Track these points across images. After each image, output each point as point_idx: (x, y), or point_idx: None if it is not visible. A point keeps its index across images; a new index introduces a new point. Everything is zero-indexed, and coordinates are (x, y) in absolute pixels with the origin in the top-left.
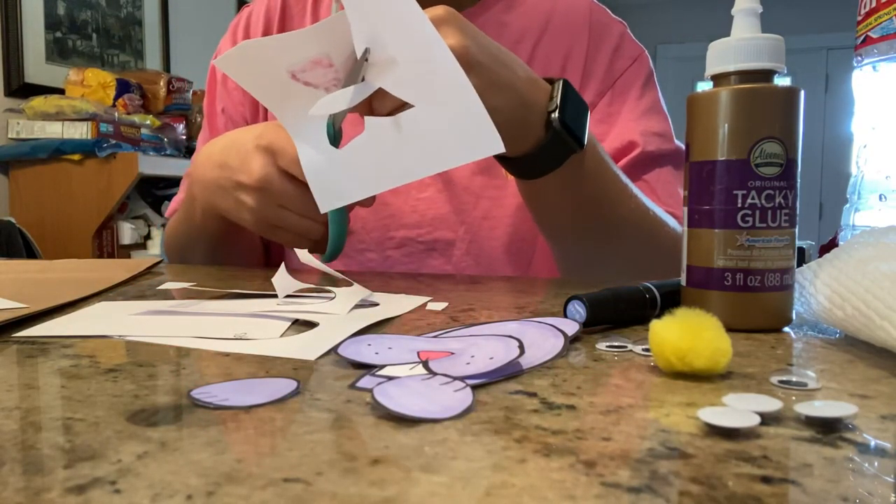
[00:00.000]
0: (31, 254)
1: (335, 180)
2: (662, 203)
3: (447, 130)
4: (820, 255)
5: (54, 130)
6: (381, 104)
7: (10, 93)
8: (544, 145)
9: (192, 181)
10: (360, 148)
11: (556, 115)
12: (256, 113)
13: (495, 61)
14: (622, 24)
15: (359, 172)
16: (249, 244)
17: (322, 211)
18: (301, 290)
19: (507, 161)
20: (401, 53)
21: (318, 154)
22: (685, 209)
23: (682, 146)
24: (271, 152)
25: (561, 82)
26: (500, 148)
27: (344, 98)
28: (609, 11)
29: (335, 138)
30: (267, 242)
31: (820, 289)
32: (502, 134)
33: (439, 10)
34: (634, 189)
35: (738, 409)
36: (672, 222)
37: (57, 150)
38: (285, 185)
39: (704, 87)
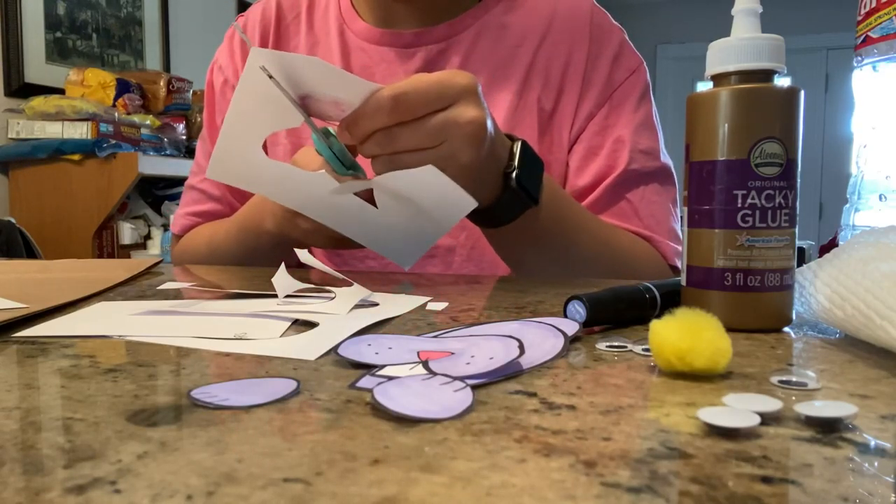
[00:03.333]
0: (31, 254)
1: (240, 167)
2: (643, 226)
3: (384, 237)
4: (820, 255)
5: (54, 130)
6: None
7: (10, 93)
8: (501, 202)
9: (259, 215)
10: (299, 176)
11: (514, 174)
12: None
13: (495, 137)
14: (621, 31)
15: (276, 186)
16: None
17: (207, 175)
18: (301, 290)
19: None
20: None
21: (242, 137)
22: (685, 209)
23: (669, 162)
24: None
25: (520, 143)
26: (407, 266)
27: (355, 186)
28: (609, 16)
29: (350, 166)
30: None
31: (820, 289)
32: (478, 189)
33: (469, 80)
34: (598, 222)
35: (738, 409)
36: (643, 251)
37: (57, 150)
38: None
39: (704, 87)
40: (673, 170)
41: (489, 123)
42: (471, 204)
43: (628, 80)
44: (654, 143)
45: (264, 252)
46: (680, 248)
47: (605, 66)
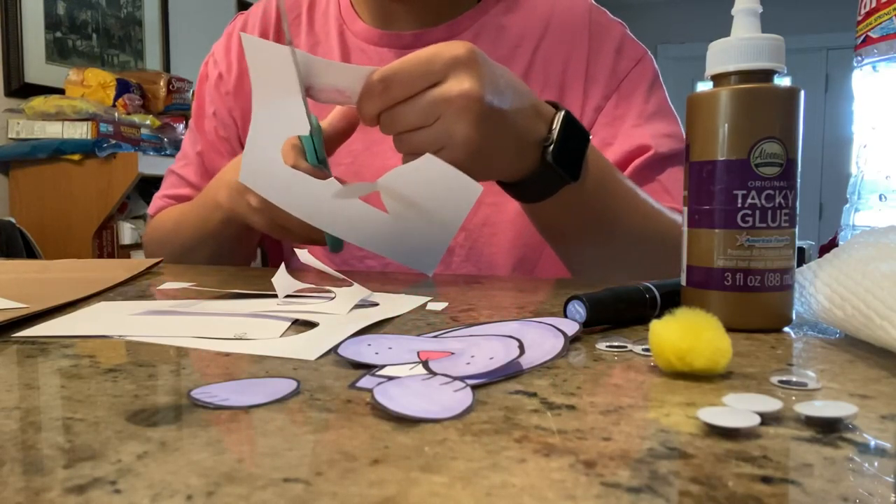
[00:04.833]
0: (31, 254)
1: (268, 177)
2: (675, 202)
3: (400, 243)
4: (820, 255)
5: (54, 130)
6: (366, 106)
7: (10, 93)
8: (538, 175)
9: (218, 188)
10: (313, 184)
11: (550, 149)
12: (246, 118)
13: (507, 107)
14: (622, 25)
15: (294, 194)
16: (250, 252)
17: (239, 180)
18: (301, 290)
19: (502, 184)
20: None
21: (268, 144)
22: (685, 209)
23: None
24: None
25: (562, 113)
26: (431, 271)
27: (359, 189)
28: (608, 13)
29: (322, 160)
30: (268, 247)
31: (820, 289)
32: (499, 167)
33: (462, 49)
34: (643, 196)
35: (738, 409)
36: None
37: (57, 150)
38: None
39: (704, 87)
40: None
41: (489, 94)
42: (476, 189)
43: (635, 70)
44: (675, 126)
45: (215, 228)
46: None
47: (607, 59)
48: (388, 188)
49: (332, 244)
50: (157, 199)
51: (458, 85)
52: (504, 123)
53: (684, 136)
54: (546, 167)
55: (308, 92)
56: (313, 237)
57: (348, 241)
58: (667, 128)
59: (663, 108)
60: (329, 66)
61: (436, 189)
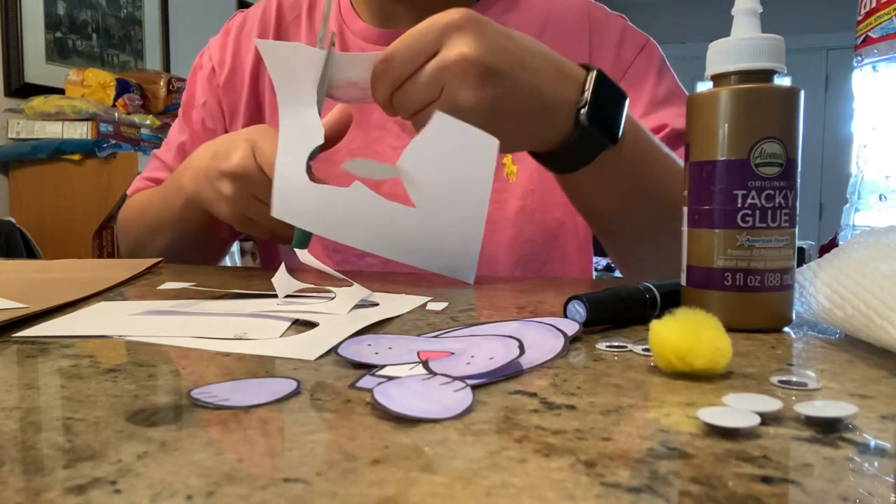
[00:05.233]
0: (31, 254)
1: (299, 202)
2: None
3: (435, 241)
4: (820, 255)
5: (54, 130)
6: (377, 90)
7: (10, 93)
8: (573, 142)
9: (184, 170)
10: (339, 196)
11: (584, 111)
12: (235, 115)
13: (516, 66)
14: (622, 18)
15: (325, 213)
16: (216, 247)
17: (272, 215)
18: (301, 290)
19: (536, 155)
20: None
21: (295, 168)
22: (685, 209)
23: None
24: (254, 147)
25: (594, 73)
26: (471, 280)
27: (378, 169)
28: (606, 8)
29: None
30: (260, 248)
31: (820, 289)
32: (525, 134)
33: (457, 14)
34: (680, 162)
35: (738, 409)
36: None
37: (57, 150)
38: (261, 177)
39: (704, 87)
40: None
41: (489, 55)
42: (493, 142)
43: (639, 57)
44: None
45: (177, 212)
46: None
47: (609, 51)
48: (407, 164)
49: (298, 240)
50: (137, 181)
51: (455, 49)
52: (517, 84)
53: None
54: (582, 131)
55: (329, 91)
56: (279, 233)
57: (386, 257)
58: (680, 109)
59: (675, 91)
60: (342, 57)
61: (452, 150)
